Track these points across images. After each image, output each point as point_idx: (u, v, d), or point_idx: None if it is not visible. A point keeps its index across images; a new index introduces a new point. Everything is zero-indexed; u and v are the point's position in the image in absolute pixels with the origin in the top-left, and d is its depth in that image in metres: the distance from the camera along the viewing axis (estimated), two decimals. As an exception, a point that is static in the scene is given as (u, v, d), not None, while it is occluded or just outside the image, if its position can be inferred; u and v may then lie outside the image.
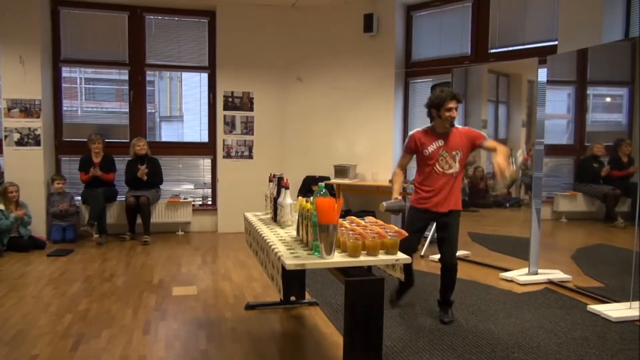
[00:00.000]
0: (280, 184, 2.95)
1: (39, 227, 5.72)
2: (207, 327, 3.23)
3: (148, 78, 6.67)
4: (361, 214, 4.15)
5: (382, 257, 2.25)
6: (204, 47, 6.62)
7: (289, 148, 6.76)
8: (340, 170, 6.16)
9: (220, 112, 6.54)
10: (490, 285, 4.23)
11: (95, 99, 7.19)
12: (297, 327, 3.31)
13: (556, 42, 4.68)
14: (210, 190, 6.83)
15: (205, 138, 6.80)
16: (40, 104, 5.81)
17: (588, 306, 3.63)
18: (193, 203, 6.60)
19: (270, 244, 2.48)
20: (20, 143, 5.79)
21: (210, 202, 6.82)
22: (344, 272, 2.27)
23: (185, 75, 7.47)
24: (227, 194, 6.57)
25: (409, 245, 2.92)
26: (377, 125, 6.22)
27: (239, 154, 6.63)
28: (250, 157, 6.66)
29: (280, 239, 2.57)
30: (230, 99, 6.55)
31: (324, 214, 2.10)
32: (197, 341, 3.01)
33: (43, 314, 3.42)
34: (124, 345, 2.93)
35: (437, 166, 3.30)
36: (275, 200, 3.04)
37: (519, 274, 4.39)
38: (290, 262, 2.12)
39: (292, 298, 3.62)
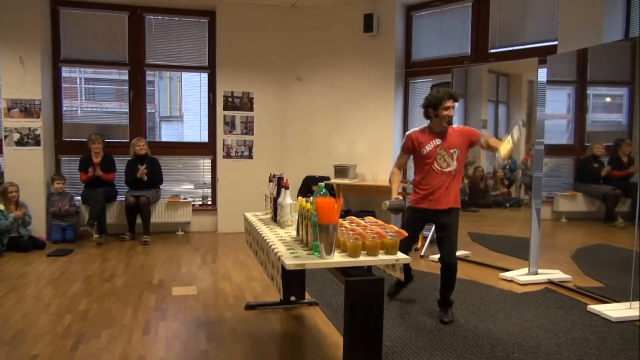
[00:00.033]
0: (280, 184, 2.95)
1: (39, 227, 5.72)
2: (207, 327, 3.23)
3: (148, 78, 6.67)
4: (361, 214, 4.15)
5: (382, 257, 2.25)
6: (204, 47, 6.62)
7: (289, 148, 6.76)
8: (340, 170, 6.16)
9: (220, 112, 6.54)
10: (490, 285, 4.23)
11: (95, 99, 7.19)
12: (297, 327, 3.31)
13: (556, 42, 4.68)
14: (210, 190, 6.83)
15: (205, 138, 6.80)
16: (40, 104, 5.81)
17: (588, 306, 3.63)
18: (193, 203, 6.60)
19: (270, 244, 2.48)
20: (20, 143, 5.79)
21: (210, 202, 6.83)
22: (344, 272, 2.27)
23: (185, 75, 7.47)
24: (227, 194, 6.57)
25: (406, 243, 2.93)
26: (377, 125, 6.22)
27: (239, 154, 6.63)
28: (250, 157, 6.66)
29: (280, 239, 2.57)
30: (230, 99, 6.55)
31: (324, 214, 2.10)
32: (197, 341, 3.01)
33: (43, 314, 3.42)
34: (124, 345, 2.93)
35: (435, 165, 3.32)
36: (275, 200, 3.04)
37: (519, 274, 4.39)
38: (290, 262, 2.12)
39: (292, 298, 3.62)
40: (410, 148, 3.41)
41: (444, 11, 5.92)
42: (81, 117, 6.62)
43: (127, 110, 6.48)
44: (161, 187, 6.34)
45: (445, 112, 3.26)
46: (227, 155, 6.59)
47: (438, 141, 3.32)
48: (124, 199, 5.99)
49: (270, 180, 3.22)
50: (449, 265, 3.31)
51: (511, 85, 4.99)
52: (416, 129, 3.46)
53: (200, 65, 6.64)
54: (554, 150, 4.46)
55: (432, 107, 3.31)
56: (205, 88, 6.73)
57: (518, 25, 5.32)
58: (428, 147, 3.33)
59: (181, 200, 6.45)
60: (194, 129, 7.04)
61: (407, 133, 3.50)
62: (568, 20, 4.55)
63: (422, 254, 5.24)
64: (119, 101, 6.66)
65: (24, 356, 2.77)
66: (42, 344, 2.92)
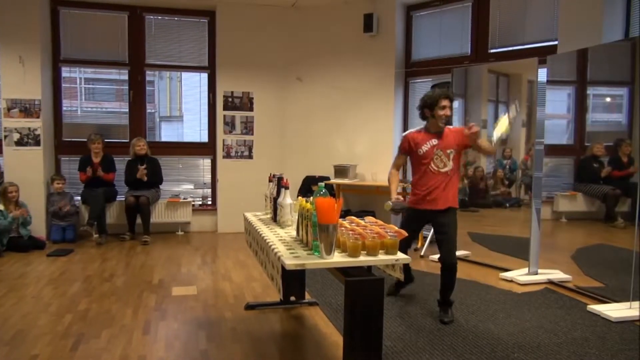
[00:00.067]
0: (280, 184, 2.95)
1: (38, 227, 5.72)
2: (207, 327, 3.23)
3: (148, 78, 6.67)
4: (361, 214, 4.16)
5: (382, 257, 2.25)
6: (204, 47, 6.62)
7: (289, 148, 6.76)
8: (340, 170, 6.16)
9: (220, 112, 6.54)
10: (490, 285, 4.23)
11: (95, 99, 7.19)
12: (297, 327, 3.31)
13: (556, 42, 4.68)
14: (210, 190, 6.83)
15: (205, 138, 6.80)
16: (40, 104, 5.81)
17: (588, 306, 3.63)
18: (193, 203, 6.60)
19: (270, 244, 2.48)
20: (20, 143, 5.79)
21: (210, 202, 6.82)
22: (343, 272, 2.27)
23: (185, 75, 7.47)
24: (227, 194, 6.57)
25: (405, 243, 2.95)
26: (377, 125, 6.22)
27: (239, 154, 6.63)
28: (250, 157, 6.66)
29: (280, 239, 2.57)
30: (230, 99, 6.55)
31: (324, 214, 2.10)
32: (197, 341, 3.01)
33: (43, 314, 3.42)
34: (124, 345, 2.93)
35: (432, 165, 3.36)
36: (275, 200, 3.04)
37: (519, 274, 4.39)
38: (290, 262, 2.12)
39: (292, 298, 3.62)
40: (407, 149, 3.46)
41: (444, 11, 5.92)
42: (81, 117, 6.62)
43: (127, 110, 6.48)
44: (161, 187, 6.34)
45: (442, 112, 3.30)
46: (227, 155, 6.59)
47: (434, 141, 3.36)
48: (123, 199, 5.99)
49: (270, 180, 3.22)
50: (448, 265, 3.31)
51: (511, 85, 4.99)
52: (413, 129, 3.52)
53: (200, 65, 6.64)
54: (554, 150, 4.46)
55: (428, 107, 3.36)
56: (205, 88, 6.73)
57: (518, 25, 5.32)
58: (425, 148, 3.37)
59: (181, 200, 6.45)
60: (194, 129, 7.04)
61: (403, 134, 3.55)
62: (568, 20, 4.55)
63: (422, 254, 5.24)
64: (119, 101, 6.66)
65: (24, 356, 2.77)
66: (42, 344, 2.91)
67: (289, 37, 6.60)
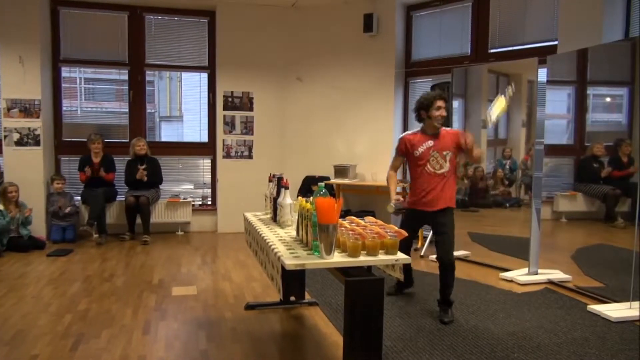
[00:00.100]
0: (280, 184, 2.95)
1: (38, 227, 5.72)
2: (207, 327, 3.23)
3: (148, 78, 6.67)
4: (361, 214, 4.16)
5: (382, 257, 2.25)
6: (204, 47, 6.62)
7: (288, 148, 6.76)
8: (340, 170, 6.15)
9: (220, 112, 6.54)
10: (490, 285, 4.23)
11: (94, 99, 7.19)
12: (297, 327, 3.31)
13: (556, 42, 4.68)
14: (210, 190, 6.83)
15: (205, 138, 6.79)
16: (39, 104, 5.81)
17: (588, 306, 3.63)
18: (193, 203, 6.60)
19: (270, 244, 2.48)
20: (19, 143, 5.79)
21: (210, 202, 6.82)
22: (343, 272, 2.27)
23: (185, 75, 7.47)
24: (226, 194, 6.56)
25: (405, 243, 2.96)
26: (377, 125, 6.22)
27: (239, 154, 6.63)
28: (250, 157, 6.66)
29: (280, 239, 2.57)
30: (230, 99, 6.55)
31: (324, 214, 2.10)
32: (197, 341, 3.01)
33: (43, 314, 3.42)
34: (124, 345, 2.93)
35: (429, 166, 3.41)
36: (275, 200, 3.04)
37: (519, 274, 4.39)
38: (290, 262, 2.12)
39: (292, 298, 3.62)
40: (404, 150, 3.52)
41: (444, 11, 5.92)
42: (81, 117, 6.62)
43: (127, 110, 6.48)
44: (161, 187, 6.34)
45: (437, 113, 3.36)
46: (227, 155, 6.59)
47: (430, 143, 3.41)
48: (123, 199, 5.99)
49: (270, 180, 3.22)
50: (446, 263, 3.35)
51: (511, 85, 4.98)
52: (409, 131, 3.59)
53: (200, 65, 6.64)
54: (554, 150, 4.46)
55: (424, 109, 3.42)
56: (205, 88, 6.73)
57: (518, 25, 5.32)
58: (420, 149, 3.42)
59: (181, 200, 6.45)
60: (194, 129, 7.04)
61: (400, 136, 3.61)
62: (568, 20, 4.55)
63: (422, 254, 5.24)
64: (119, 101, 6.65)
65: (24, 356, 2.77)
66: (42, 344, 2.91)
67: (289, 37, 6.60)
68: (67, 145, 6.27)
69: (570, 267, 4.34)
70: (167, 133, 9.23)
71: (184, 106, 8.21)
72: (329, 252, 2.14)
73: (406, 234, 2.50)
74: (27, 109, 5.79)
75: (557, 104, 4.55)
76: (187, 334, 3.13)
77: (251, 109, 6.62)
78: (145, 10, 6.38)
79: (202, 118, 6.79)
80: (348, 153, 6.42)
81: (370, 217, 2.74)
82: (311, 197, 2.41)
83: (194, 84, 6.96)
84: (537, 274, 4.38)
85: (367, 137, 6.31)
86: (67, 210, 5.79)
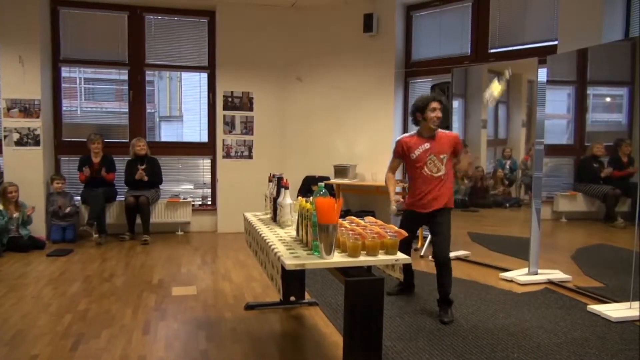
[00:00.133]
0: (279, 184, 2.95)
1: (38, 227, 5.72)
2: (207, 327, 3.23)
3: (148, 78, 6.67)
4: (361, 214, 4.16)
5: (381, 257, 2.25)
6: (204, 47, 6.61)
7: (288, 148, 6.76)
8: (340, 170, 6.15)
9: (219, 112, 6.54)
10: (490, 285, 4.23)
11: (94, 99, 7.18)
12: (297, 327, 3.31)
13: (556, 42, 4.68)
14: (209, 190, 6.83)
15: (204, 138, 6.79)
16: (39, 104, 5.81)
17: (588, 306, 3.63)
18: (193, 203, 6.60)
19: (270, 244, 2.47)
20: (19, 143, 5.79)
21: (209, 202, 6.82)
22: (343, 272, 2.27)
23: (185, 75, 7.46)
24: (226, 194, 6.56)
25: (404, 244, 2.98)
26: (377, 125, 6.22)
27: (239, 154, 6.63)
28: (250, 157, 6.66)
29: (280, 239, 2.57)
30: (229, 99, 6.55)
31: (324, 214, 2.10)
32: (197, 341, 3.01)
33: (43, 314, 3.42)
34: (124, 345, 2.92)
35: (426, 169, 3.45)
36: (275, 200, 3.04)
37: (519, 274, 4.39)
38: (290, 262, 2.12)
39: (292, 298, 3.62)
40: (401, 153, 3.56)
41: (444, 11, 5.92)
42: (81, 117, 6.62)
43: (127, 110, 6.48)
44: (161, 187, 6.34)
45: (433, 114, 3.41)
46: (227, 155, 6.59)
47: (427, 145, 3.45)
48: (123, 199, 5.99)
49: (270, 180, 3.22)
50: (442, 260, 3.40)
51: (511, 85, 4.98)
52: (406, 134, 3.65)
53: (200, 65, 6.64)
54: (554, 150, 4.46)
55: (419, 111, 3.47)
56: (205, 88, 6.73)
57: (518, 25, 5.32)
58: (417, 152, 3.46)
59: (181, 200, 6.45)
60: (194, 129, 7.03)
61: (397, 138, 3.65)
62: (568, 20, 4.55)
63: (422, 254, 5.24)
64: (119, 101, 6.65)
65: (24, 356, 2.76)
66: (42, 344, 2.91)
67: (289, 37, 6.60)
68: (67, 145, 6.27)
69: (570, 267, 4.34)
70: (167, 133, 9.21)
71: (184, 106, 8.20)
72: (328, 252, 2.14)
73: (406, 234, 2.50)
74: (27, 109, 5.79)
75: (557, 104, 4.55)
76: (186, 334, 3.12)
77: (251, 109, 6.62)
78: (145, 10, 6.38)
79: (202, 118, 6.79)
80: (348, 153, 6.42)
81: (370, 217, 2.74)
82: (311, 197, 2.41)
83: (194, 84, 6.96)
84: (537, 274, 4.38)
85: (367, 137, 6.31)
86: (67, 210, 5.79)
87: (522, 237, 4.59)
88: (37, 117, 5.81)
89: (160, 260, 5.02)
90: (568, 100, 4.60)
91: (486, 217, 5.32)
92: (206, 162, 6.80)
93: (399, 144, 3.56)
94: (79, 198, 6.04)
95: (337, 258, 2.18)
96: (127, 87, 6.45)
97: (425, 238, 5.37)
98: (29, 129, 5.80)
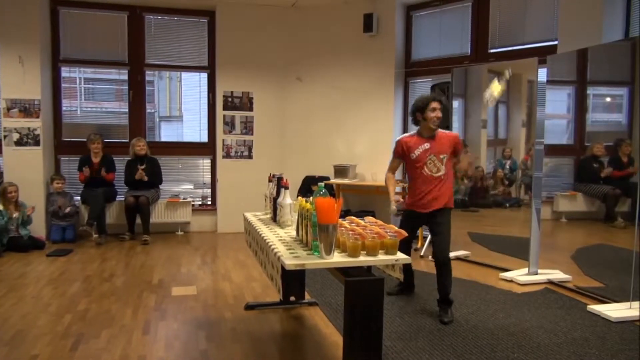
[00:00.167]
0: (279, 184, 2.95)
1: (38, 227, 5.72)
2: (207, 327, 3.23)
3: (147, 78, 6.66)
4: (361, 214, 4.16)
5: (381, 257, 2.25)
6: (204, 47, 6.61)
7: (288, 148, 6.76)
8: (340, 170, 6.15)
9: (219, 112, 6.54)
10: (490, 285, 4.23)
11: (94, 99, 7.18)
12: (297, 327, 3.31)
13: (556, 42, 4.68)
14: (209, 190, 6.83)
15: (204, 138, 6.79)
16: (39, 104, 5.81)
17: (588, 306, 3.63)
18: (193, 203, 6.60)
19: (270, 244, 2.47)
20: (19, 143, 5.79)
21: (209, 202, 6.82)
22: (343, 272, 2.27)
23: (185, 75, 7.47)
24: (226, 194, 6.56)
25: (404, 244, 2.99)
26: (377, 125, 6.22)
27: (239, 154, 6.63)
28: (249, 157, 6.66)
29: (280, 239, 2.57)
30: (229, 99, 6.55)
31: (324, 214, 2.10)
32: (197, 341, 3.01)
33: (42, 314, 3.42)
34: (124, 345, 2.92)
35: (426, 169, 3.45)
36: (274, 200, 3.04)
37: (519, 274, 4.39)
38: (289, 262, 2.12)
39: (292, 298, 3.62)
40: (400, 153, 3.57)
41: (444, 11, 5.92)
42: (81, 117, 6.61)
43: (127, 110, 6.48)
44: (161, 187, 6.34)
45: (433, 114, 3.41)
46: (227, 155, 6.59)
47: (427, 145, 3.45)
48: (123, 199, 5.99)
49: (270, 180, 3.22)
50: (440, 259, 3.41)
51: (511, 85, 4.98)
52: (406, 134, 3.65)
53: (200, 65, 6.64)
54: (554, 150, 4.46)
55: (419, 111, 3.47)
56: (204, 88, 6.73)
57: (518, 25, 5.32)
58: (417, 152, 3.46)
59: (181, 200, 6.45)
60: (194, 129, 7.03)
61: (397, 138, 3.66)
62: (568, 20, 4.55)
63: (422, 254, 5.24)
64: (119, 101, 6.65)
65: (24, 356, 2.76)
66: (42, 344, 2.91)
67: (289, 37, 6.60)
68: (66, 145, 6.27)
69: (570, 267, 4.34)
70: (167, 133, 9.21)
71: (184, 106, 8.20)
72: (328, 252, 2.14)
73: (406, 234, 2.50)
74: (27, 109, 5.79)
75: (557, 104, 4.55)
76: (186, 334, 3.12)
77: (251, 109, 6.62)
78: (145, 10, 6.38)
79: (202, 118, 6.79)
80: (348, 153, 6.42)
81: (370, 217, 2.74)
82: (311, 197, 2.41)
83: (194, 84, 6.96)
84: (537, 274, 4.38)
85: (367, 137, 6.31)
86: (67, 210, 5.79)
87: (522, 237, 4.59)
88: (37, 117, 5.81)
89: (160, 260, 5.02)
90: (568, 100, 4.60)
91: (486, 217, 5.32)
92: (206, 162, 6.80)
93: (398, 144, 3.57)
94: (78, 198, 6.04)
95: (337, 258, 2.18)
96: (127, 87, 6.45)
97: (425, 238, 5.37)
98: (28, 129, 5.80)
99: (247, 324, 3.30)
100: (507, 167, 5.03)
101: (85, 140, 6.00)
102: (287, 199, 2.91)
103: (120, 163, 6.17)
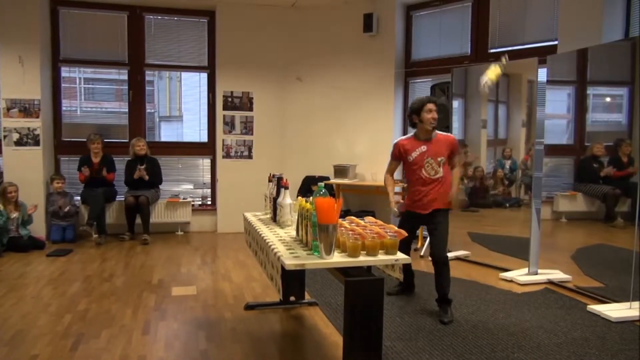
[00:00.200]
0: (279, 184, 2.95)
1: (38, 227, 5.71)
2: (207, 327, 3.22)
3: (147, 78, 6.66)
4: (361, 214, 4.16)
5: (381, 257, 2.25)
6: (204, 47, 6.61)
7: (288, 148, 6.76)
8: (340, 170, 6.15)
9: (219, 112, 6.54)
10: (490, 285, 4.23)
11: (94, 98, 7.18)
12: (297, 327, 3.31)
13: (556, 42, 4.68)
14: (209, 190, 6.83)
15: (204, 138, 6.79)
16: (39, 104, 5.81)
17: (588, 306, 3.63)
18: (192, 203, 6.60)
19: (270, 244, 2.47)
20: (19, 143, 5.79)
21: (209, 202, 6.82)
22: (343, 272, 2.27)
23: (185, 75, 7.46)
24: (226, 194, 6.56)
25: (404, 244, 3.00)
26: (377, 125, 6.22)
27: (239, 154, 6.63)
28: (249, 157, 6.66)
29: (280, 239, 2.57)
30: (229, 99, 6.55)
31: (324, 214, 2.10)
32: (196, 341, 3.01)
33: (42, 314, 3.42)
34: (124, 345, 2.92)
35: (424, 172, 3.47)
36: (274, 200, 3.04)
37: (519, 274, 4.39)
38: (289, 262, 2.12)
39: (292, 298, 3.62)
40: (398, 155, 3.59)
41: (444, 11, 5.92)
42: (80, 117, 6.61)
43: (127, 110, 6.48)
44: (161, 187, 6.33)
45: (429, 115, 3.42)
46: (227, 155, 6.59)
47: (424, 148, 3.47)
48: (123, 199, 5.99)
49: (269, 180, 3.22)
50: (437, 258, 3.43)
51: (511, 85, 4.98)
52: (403, 137, 3.67)
53: (200, 65, 6.64)
54: (554, 150, 4.46)
55: (415, 112, 3.48)
56: (204, 88, 6.73)
57: (518, 25, 5.32)
58: (414, 154, 3.48)
59: (181, 200, 6.45)
60: (194, 129, 7.03)
61: (394, 141, 3.68)
62: (568, 20, 4.55)
63: (422, 254, 5.24)
64: (119, 101, 6.65)
65: (24, 356, 2.76)
66: (42, 344, 2.91)
67: (289, 37, 6.60)
68: (66, 145, 6.27)
69: (570, 267, 4.34)
70: (167, 133, 9.20)
71: (184, 106, 8.20)
72: (328, 252, 2.14)
73: (406, 234, 2.51)
74: (27, 109, 5.79)
75: (557, 104, 4.55)
76: (186, 334, 3.12)
77: (251, 109, 6.62)
78: (145, 10, 6.38)
79: (202, 118, 6.79)
80: (348, 153, 6.41)
81: (370, 217, 2.74)
82: (311, 197, 2.40)
83: (194, 84, 6.96)
84: (537, 274, 4.38)
85: (367, 137, 6.31)
86: (67, 210, 5.79)
87: (522, 237, 4.59)
88: (37, 117, 5.81)
89: (160, 260, 5.02)
90: (568, 100, 4.60)
91: (486, 217, 5.32)
92: (206, 162, 6.80)
93: (396, 146, 3.59)
94: (78, 198, 6.03)
95: (337, 258, 2.18)
96: (127, 87, 6.45)
97: (425, 238, 5.36)
98: (28, 129, 5.80)
99: (247, 324, 3.30)
100: (507, 167, 5.03)
101: (85, 140, 6.00)
102: (287, 199, 2.91)
103: (120, 163, 6.17)
